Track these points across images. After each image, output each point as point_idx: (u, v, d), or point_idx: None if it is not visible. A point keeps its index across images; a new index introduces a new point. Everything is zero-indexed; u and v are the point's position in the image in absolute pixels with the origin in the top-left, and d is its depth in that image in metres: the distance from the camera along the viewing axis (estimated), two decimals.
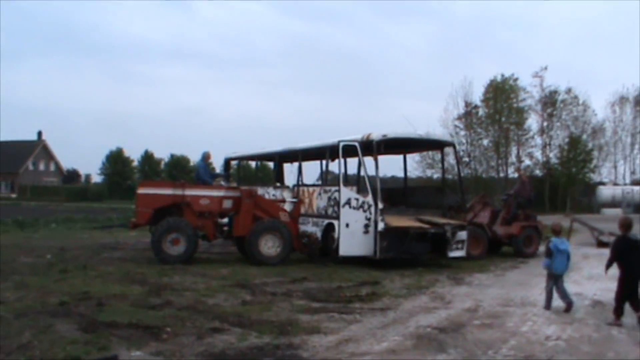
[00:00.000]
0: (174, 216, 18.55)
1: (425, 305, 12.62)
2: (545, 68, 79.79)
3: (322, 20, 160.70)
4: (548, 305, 12.51)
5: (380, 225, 18.19)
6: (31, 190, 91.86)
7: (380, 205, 18.35)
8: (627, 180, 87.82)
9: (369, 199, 18.54)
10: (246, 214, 19.04)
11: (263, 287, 14.20)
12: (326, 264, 18.50)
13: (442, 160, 25.32)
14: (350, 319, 11.00)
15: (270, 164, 30.57)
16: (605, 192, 79.08)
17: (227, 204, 19.21)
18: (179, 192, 18.84)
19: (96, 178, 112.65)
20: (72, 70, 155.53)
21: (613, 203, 75.65)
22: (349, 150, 19.32)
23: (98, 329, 9.58)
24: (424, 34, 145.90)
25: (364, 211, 18.59)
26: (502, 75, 79.84)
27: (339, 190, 19.02)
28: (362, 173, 19.55)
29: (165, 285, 14.23)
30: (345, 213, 18.65)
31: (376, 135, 18.93)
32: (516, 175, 71.74)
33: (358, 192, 19.01)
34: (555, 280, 12.63)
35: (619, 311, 11.33)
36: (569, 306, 12.33)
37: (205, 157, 21.65)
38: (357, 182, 20.08)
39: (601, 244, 27.01)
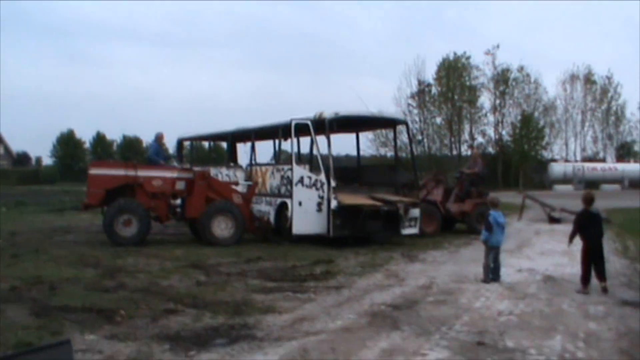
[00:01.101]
0: (126, 197, 18.39)
1: (380, 283, 12.69)
2: (497, 46, 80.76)
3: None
4: (487, 278, 12.70)
5: (333, 204, 18.22)
6: None
7: (333, 184, 18.38)
8: (578, 157, 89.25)
9: (322, 177, 18.55)
10: (199, 195, 18.95)
11: (217, 268, 14.17)
12: (280, 244, 18.52)
13: (395, 138, 25.46)
14: (305, 298, 11.03)
15: (224, 144, 30.40)
16: (557, 169, 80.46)
17: (180, 185, 19.09)
18: (131, 172, 18.67)
19: (47, 161, 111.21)
20: (20, 49, 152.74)
21: (564, 180, 76.98)
22: (302, 129, 19.31)
23: (51, 314, 9.47)
24: (377, 12, 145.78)
25: (317, 189, 18.61)
26: (455, 54, 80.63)
27: (291, 169, 19.03)
28: (315, 151, 19.52)
29: (119, 267, 14.10)
30: (298, 191, 18.67)
31: (328, 113, 18.92)
32: (469, 153, 72.48)
33: (311, 170, 19.01)
34: (495, 253, 12.84)
35: (585, 279, 11.87)
36: (487, 280, 12.64)
37: (158, 138, 21.47)
38: (309, 160, 20.07)
39: (552, 220, 27.43)
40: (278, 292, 11.46)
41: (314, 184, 18.62)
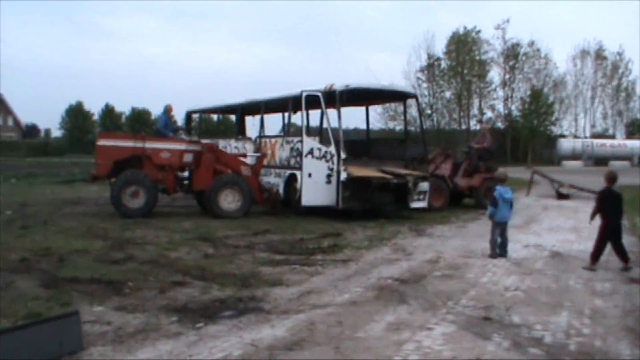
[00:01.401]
0: (133, 169, 18.44)
1: (387, 256, 12.72)
2: (508, 21, 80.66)
3: None
4: (493, 253, 12.71)
5: (343, 175, 18.22)
6: None
7: (343, 155, 18.37)
8: (587, 133, 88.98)
9: (332, 149, 18.56)
10: (207, 168, 18.98)
11: (225, 240, 14.21)
12: (288, 216, 18.57)
13: (405, 112, 25.49)
14: (312, 271, 11.07)
15: (232, 117, 30.38)
16: (566, 144, 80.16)
17: (188, 157, 19.10)
18: (139, 144, 18.70)
19: (56, 133, 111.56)
20: (29, 22, 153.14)
21: (573, 156, 76.78)
22: (312, 101, 19.29)
23: (60, 285, 9.52)
24: None
25: (327, 161, 18.62)
26: (465, 28, 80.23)
27: (301, 140, 19.03)
28: (325, 123, 19.51)
29: (128, 239, 14.17)
30: (308, 163, 18.68)
31: (339, 85, 18.91)
32: (478, 127, 72.32)
33: (321, 142, 19.01)
34: (501, 228, 12.84)
35: (595, 256, 11.88)
36: (494, 256, 12.67)
37: (167, 110, 21.46)
38: (319, 132, 20.06)
39: (561, 196, 27.38)
40: (286, 265, 11.51)
41: (324, 156, 18.63)
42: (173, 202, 22.01)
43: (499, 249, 12.79)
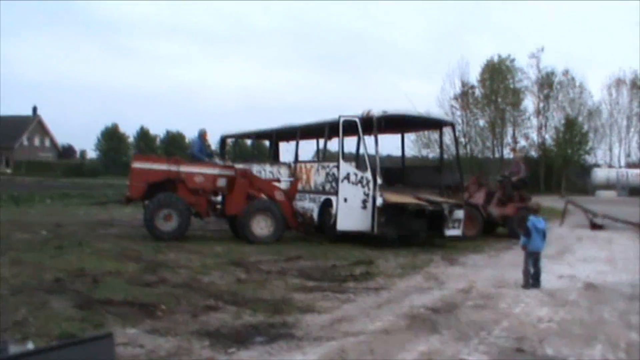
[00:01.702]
0: (167, 192, 18.58)
1: (419, 285, 12.68)
2: (542, 49, 79.95)
3: None
4: (526, 284, 12.61)
5: (379, 201, 18.22)
6: (26, 166, 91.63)
7: (379, 181, 18.38)
8: (622, 163, 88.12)
9: (368, 174, 18.58)
10: (240, 193, 19.05)
11: (258, 265, 14.24)
12: (321, 243, 18.56)
13: (441, 139, 25.33)
14: (345, 298, 11.05)
15: (266, 142, 30.54)
16: (600, 174, 79.40)
17: (221, 182, 19.19)
18: (173, 168, 18.83)
19: (91, 154, 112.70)
20: (69, 45, 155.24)
21: (607, 185, 76.03)
22: (348, 127, 19.33)
23: (93, 306, 9.60)
24: (422, 12, 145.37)
25: (363, 186, 18.63)
26: (499, 56, 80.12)
27: (338, 165, 19.06)
28: (362, 149, 19.52)
29: (161, 262, 14.25)
30: (344, 188, 18.70)
31: (376, 111, 18.97)
32: (511, 156, 71.93)
33: (357, 167, 19.05)
34: (534, 258, 12.76)
35: None
36: (527, 286, 12.55)
37: (202, 134, 21.64)
38: (356, 157, 20.09)
39: (595, 226, 27.12)
40: (318, 292, 11.50)
41: (360, 181, 18.65)
42: (205, 226, 22.09)
43: (532, 279, 12.69)
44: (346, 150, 21.77)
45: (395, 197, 18.68)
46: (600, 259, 17.67)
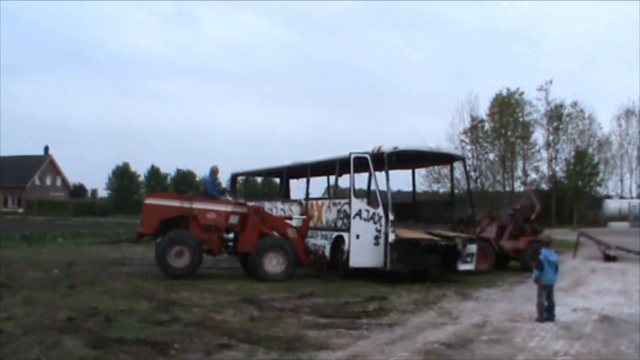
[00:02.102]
0: (179, 229, 18.60)
1: (433, 320, 12.62)
2: (551, 82, 79.91)
3: (326, 34, 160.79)
4: (541, 317, 12.53)
5: (391, 237, 18.20)
6: (38, 205, 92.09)
7: (391, 217, 18.38)
8: (634, 194, 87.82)
9: (380, 210, 18.59)
10: (252, 230, 19.08)
11: (270, 303, 14.19)
12: (334, 279, 18.50)
13: (452, 174, 25.30)
14: (358, 335, 10.99)
15: (277, 179, 30.61)
16: (612, 205, 79.11)
17: (234, 219, 19.24)
18: (186, 204, 18.93)
19: (102, 193, 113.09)
20: (79, 84, 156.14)
21: (620, 216, 75.65)
22: (359, 163, 19.35)
23: (106, 345, 9.58)
24: (429, 47, 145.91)
25: (375, 223, 18.62)
26: (508, 89, 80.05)
27: (349, 202, 19.07)
28: (373, 185, 19.54)
29: (173, 300, 14.23)
30: (356, 224, 18.69)
31: (387, 147, 19.04)
32: (522, 189, 71.88)
33: (369, 203, 19.06)
34: (548, 291, 12.69)
35: None
36: (541, 320, 12.44)
37: (214, 171, 21.72)
38: (367, 194, 20.09)
39: (608, 258, 26.99)
40: (331, 329, 11.44)
41: (372, 217, 18.65)
42: (218, 264, 22.09)
43: (547, 312, 12.62)
44: (357, 186, 21.81)
45: (407, 233, 18.67)
46: (615, 290, 17.56)
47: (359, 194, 20.64)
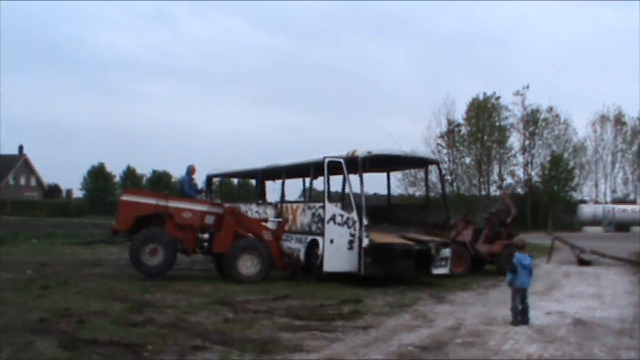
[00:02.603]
0: (154, 227, 18.54)
1: (408, 323, 12.62)
2: (527, 87, 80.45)
3: (304, 37, 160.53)
4: (515, 321, 12.57)
5: (365, 241, 18.17)
6: (12, 205, 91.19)
7: (365, 222, 18.35)
8: (608, 199, 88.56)
9: (354, 215, 18.55)
10: (227, 231, 19.00)
11: (245, 305, 14.16)
12: (308, 282, 18.47)
13: (427, 177, 25.34)
14: (333, 337, 10.96)
15: (252, 181, 30.53)
16: (587, 210, 79.86)
17: (210, 219, 19.18)
18: (162, 202, 18.87)
19: (77, 193, 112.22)
20: (55, 85, 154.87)
21: (594, 221, 76.40)
22: (333, 167, 19.33)
23: (79, 347, 9.51)
24: (406, 51, 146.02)
25: (349, 227, 18.60)
26: (485, 94, 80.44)
27: (323, 206, 19.03)
28: (347, 189, 19.53)
29: (147, 302, 14.16)
30: (330, 229, 18.65)
31: (361, 152, 19.02)
32: (498, 193, 72.24)
33: (343, 208, 19.02)
34: (522, 295, 12.72)
35: None
36: (515, 323, 12.48)
37: (190, 170, 21.63)
38: (341, 198, 20.09)
39: (582, 262, 27.13)
40: (306, 331, 11.42)
41: (346, 222, 18.63)
42: (192, 265, 22.01)
43: (521, 316, 12.65)
44: (333, 189, 21.79)
45: (381, 238, 18.66)
46: (589, 294, 17.66)
47: (334, 198, 20.61)
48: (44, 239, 35.72)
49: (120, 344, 9.77)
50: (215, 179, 29.81)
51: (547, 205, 78.91)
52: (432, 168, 24.06)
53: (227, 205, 20.69)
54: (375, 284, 18.23)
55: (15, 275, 18.39)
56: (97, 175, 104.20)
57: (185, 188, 21.01)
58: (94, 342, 9.82)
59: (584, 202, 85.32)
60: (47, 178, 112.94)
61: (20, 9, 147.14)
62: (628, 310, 14.86)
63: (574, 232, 66.45)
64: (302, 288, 17.36)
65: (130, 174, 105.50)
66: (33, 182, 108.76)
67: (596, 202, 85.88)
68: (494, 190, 78.88)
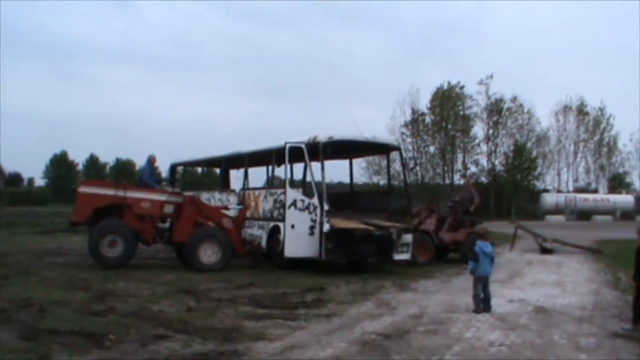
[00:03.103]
0: (114, 218, 18.40)
1: (371, 311, 12.65)
2: (491, 76, 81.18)
3: (269, 23, 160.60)
4: (477, 308, 12.64)
5: (326, 227, 18.17)
6: None
7: (325, 207, 18.36)
8: (570, 188, 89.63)
9: (315, 200, 18.55)
10: (187, 219, 18.91)
11: (208, 293, 14.10)
12: (272, 270, 18.44)
13: (388, 164, 25.41)
14: (295, 326, 10.96)
15: (217, 170, 30.40)
16: (549, 199, 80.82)
17: (169, 208, 19.07)
18: (120, 193, 18.68)
19: (40, 182, 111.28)
20: (15, 71, 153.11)
21: (557, 210, 77.33)
22: (296, 153, 19.28)
23: (39, 337, 9.40)
24: (373, 40, 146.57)
25: (310, 213, 18.59)
26: (449, 83, 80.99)
27: (284, 192, 19.02)
28: (308, 175, 19.50)
29: (109, 291, 14.04)
30: (291, 214, 18.62)
31: (322, 137, 19.00)
32: (462, 182, 72.70)
33: (304, 194, 19.00)
34: (483, 283, 12.80)
35: (637, 319, 11.21)
36: (477, 311, 12.57)
37: (151, 160, 21.48)
38: (303, 184, 20.05)
39: (544, 251, 27.42)
40: (268, 319, 11.39)
41: (307, 207, 18.61)
42: (156, 254, 21.88)
43: (483, 303, 12.73)
44: (297, 176, 21.77)
45: (342, 223, 18.64)
46: (550, 282, 17.83)
47: (296, 184, 20.58)
48: (4, 228, 35.32)
49: (82, 334, 9.67)
50: (180, 168, 29.59)
51: (511, 194, 79.75)
52: (395, 155, 24.01)
53: (188, 194, 20.58)
54: (338, 273, 18.28)
55: None
56: (60, 164, 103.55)
57: (144, 178, 20.87)
58: (55, 332, 9.70)
59: (546, 191, 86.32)
60: (8, 166, 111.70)
61: None
62: (588, 298, 15.02)
63: (537, 220, 67.17)
64: (265, 276, 17.33)
65: (93, 163, 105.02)
66: None
67: (558, 191, 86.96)
68: (457, 179, 79.44)
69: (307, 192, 19.01)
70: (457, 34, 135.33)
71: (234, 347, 9.21)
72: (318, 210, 18.46)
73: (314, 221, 18.53)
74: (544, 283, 17.74)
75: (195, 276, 16.98)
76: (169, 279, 16.37)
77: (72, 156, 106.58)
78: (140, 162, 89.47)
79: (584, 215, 76.48)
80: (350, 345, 9.60)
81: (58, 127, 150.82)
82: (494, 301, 12.99)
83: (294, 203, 18.68)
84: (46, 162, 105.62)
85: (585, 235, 35.82)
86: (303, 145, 19.04)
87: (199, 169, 34.43)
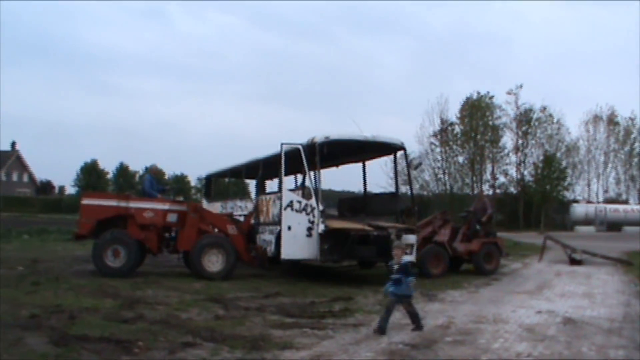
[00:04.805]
0: (115, 228, 18.53)
1: (398, 321, 12.60)
2: (521, 86, 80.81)
3: (299, 35, 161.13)
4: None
5: (321, 227, 18.08)
6: (4, 201, 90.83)
7: (320, 207, 18.31)
8: (600, 199, 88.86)
9: (312, 202, 18.43)
10: (191, 228, 18.97)
11: (236, 302, 14.15)
12: (300, 279, 18.42)
13: (395, 164, 24.83)
14: (323, 335, 10.98)
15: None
16: (579, 209, 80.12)
17: (172, 217, 19.15)
18: (122, 204, 18.86)
19: (70, 190, 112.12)
20: (49, 81, 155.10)
21: (586, 221, 76.66)
22: (293, 155, 19.08)
23: (69, 343, 9.49)
24: (400, 50, 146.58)
25: (307, 214, 18.42)
26: (478, 93, 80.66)
27: (280, 194, 19.00)
28: (306, 176, 19.50)
29: (138, 298, 14.15)
30: (287, 216, 18.45)
31: (319, 137, 18.90)
32: (490, 192, 72.41)
33: (302, 195, 18.91)
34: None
35: None
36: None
37: (152, 170, 21.74)
38: (302, 186, 19.98)
39: (573, 262, 27.20)
40: (296, 328, 11.43)
41: (304, 209, 18.42)
42: (182, 263, 21.99)
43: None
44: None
45: (337, 223, 18.57)
46: (579, 294, 17.69)
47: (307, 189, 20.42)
48: (36, 235, 35.71)
49: (111, 340, 9.75)
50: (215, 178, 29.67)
51: (540, 205, 79.13)
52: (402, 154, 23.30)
53: (189, 202, 20.63)
54: (366, 282, 18.26)
55: (6, 271, 18.34)
56: (90, 172, 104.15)
57: (145, 188, 20.95)
58: (85, 338, 9.79)
59: (576, 201, 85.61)
60: (40, 174, 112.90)
61: (15, 6, 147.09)
62: (618, 310, 14.89)
63: (566, 231, 66.66)
64: (293, 285, 17.36)
65: (123, 171, 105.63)
66: (25, 178, 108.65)
67: (588, 202, 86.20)
68: (486, 189, 79.05)
69: (305, 194, 18.84)
70: (487, 43, 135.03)
71: (262, 355, 9.25)
72: (316, 212, 18.35)
73: (311, 222, 18.35)
74: (572, 294, 17.61)
75: (224, 285, 17.04)
76: (198, 287, 16.43)
77: (102, 165, 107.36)
78: (169, 170, 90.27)
79: (614, 226, 75.72)
80: (378, 355, 9.60)
81: (89, 136, 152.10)
82: (522, 312, 12.94)
83: (290, 204, 18.48)
84: (77, 171, 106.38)
85: (615, 247, 35.52)
86: (300, 147, 18.89)
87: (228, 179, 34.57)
